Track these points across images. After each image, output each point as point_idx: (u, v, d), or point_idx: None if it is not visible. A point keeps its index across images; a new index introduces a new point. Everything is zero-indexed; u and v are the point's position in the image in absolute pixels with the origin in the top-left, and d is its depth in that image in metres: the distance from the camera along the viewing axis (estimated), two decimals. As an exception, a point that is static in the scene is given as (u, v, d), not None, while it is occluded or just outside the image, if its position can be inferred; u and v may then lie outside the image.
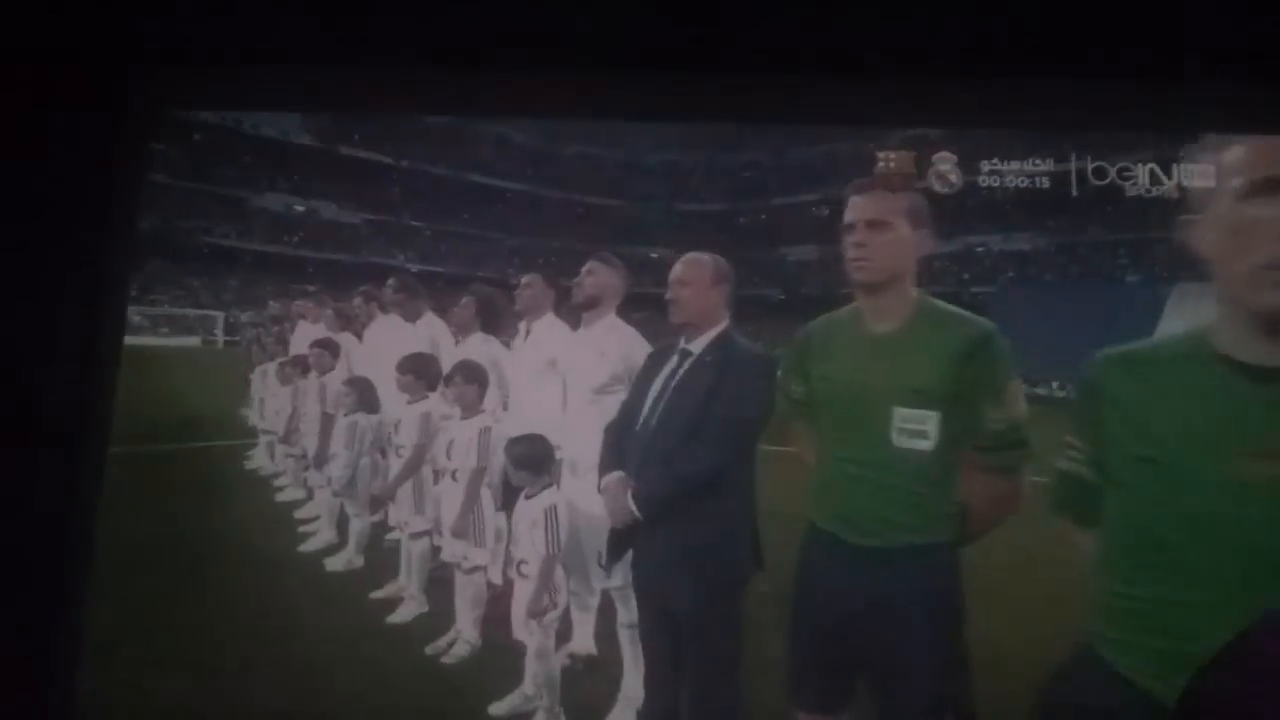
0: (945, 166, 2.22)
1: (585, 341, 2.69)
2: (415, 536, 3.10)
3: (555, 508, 2.45)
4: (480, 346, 3.22)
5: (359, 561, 3.47)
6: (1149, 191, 2.00)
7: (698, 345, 2.12)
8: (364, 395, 3.55)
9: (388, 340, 3.79)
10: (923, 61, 1.39)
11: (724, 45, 1.40)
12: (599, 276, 2.66)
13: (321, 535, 3.75)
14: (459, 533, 2.77)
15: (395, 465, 3.16)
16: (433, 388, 3.19)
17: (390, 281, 4.01)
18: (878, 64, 1.40)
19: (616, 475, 2.09)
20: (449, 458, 2.83)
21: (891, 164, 2.16)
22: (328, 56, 1.42)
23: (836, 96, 1.58)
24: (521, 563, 2.47)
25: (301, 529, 3.91)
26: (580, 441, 2.58)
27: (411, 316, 3.62)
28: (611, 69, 1.45)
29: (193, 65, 1.46)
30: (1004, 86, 1.44)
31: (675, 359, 2.13)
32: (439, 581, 3.08)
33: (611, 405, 2.52)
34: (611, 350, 2.55)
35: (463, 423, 2.84)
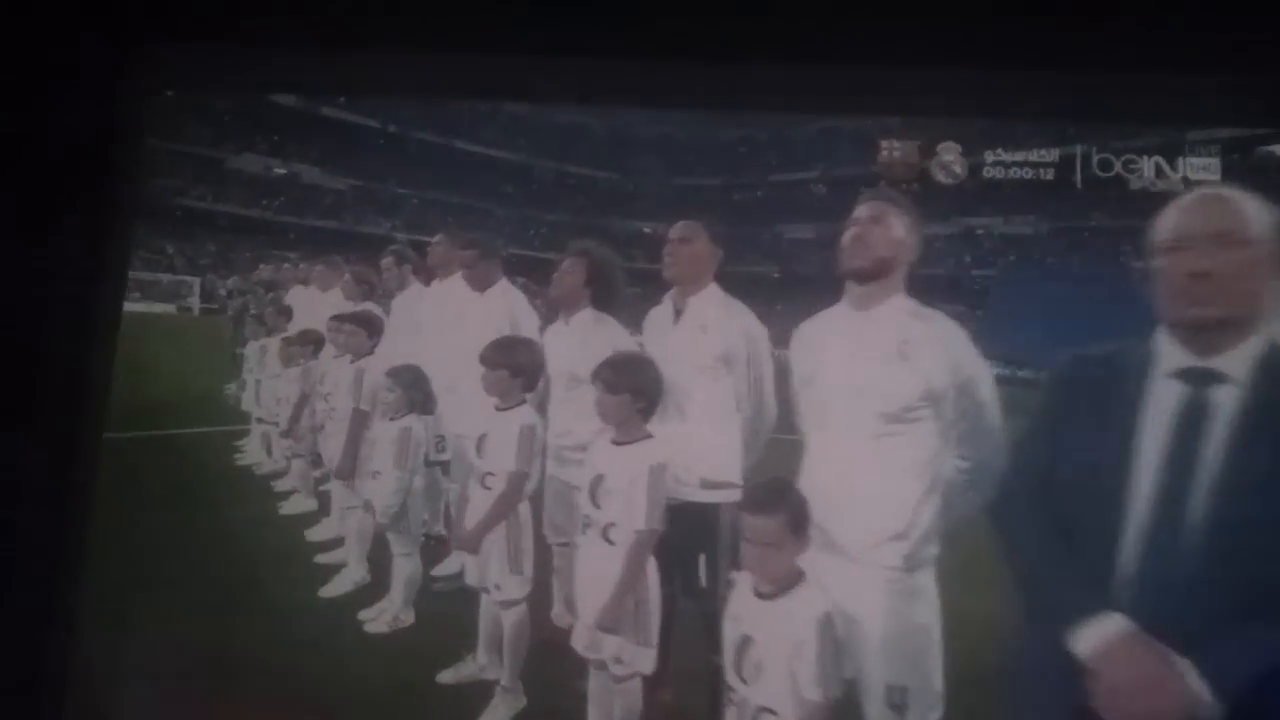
0: (949, 156, 1.90)
1: (864, 333, 1.45)
2: (508, 605, 1.88)
3: (829, 616, 1.27)
4: (597, 331, 1.99)
5: (408, 617, 2.25)
6: (1154, 185, 1.83)
7: (1236, 364, 0.96)
8: (414, 391, 2.30)
9: (441, 316, 2.51)
10: (923, 51, 1.15)
11: (726, 34, 1.17)
12: (890, 229, 1.42)
13: (350, 572, 2.52)
14: (610, 624, 1.56)
15: (480, 500, 1.91)
16: (531, 387, 1.96)
17: (438, 237, 2.71)
18: (878, 54, 1.15)
19: (1126, 631, 0.90)
20: (596, 504, 1.60)
21: (895, 153, 1.89)
22: (328, 39, 1.25)
23: (836, 85, 1.31)
24: (764, 712, 1.27)
25: (319, 559, 2.66)
26: (839, 503, 1.40)
27: (481, 284, 2.33)
28: (613, 56, 1.23)
29: (195, 46, 1.29)
30: (1005, 77, 1.20)
31: (1185, 391, 0.94)
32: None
33: (908, 443, 1.35)
34: (924, 351, 1.34)
35: (616, 450, 1.62)
